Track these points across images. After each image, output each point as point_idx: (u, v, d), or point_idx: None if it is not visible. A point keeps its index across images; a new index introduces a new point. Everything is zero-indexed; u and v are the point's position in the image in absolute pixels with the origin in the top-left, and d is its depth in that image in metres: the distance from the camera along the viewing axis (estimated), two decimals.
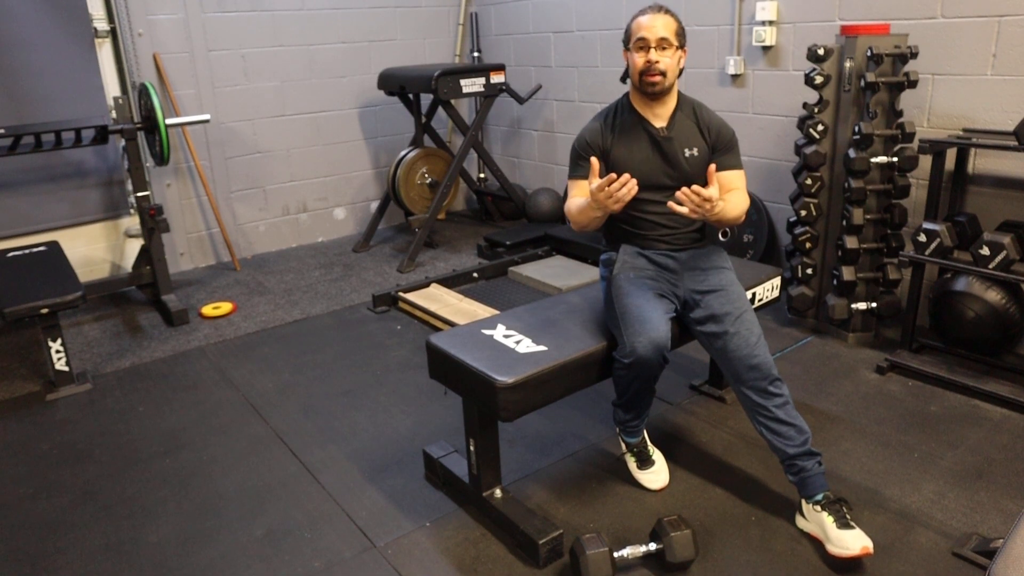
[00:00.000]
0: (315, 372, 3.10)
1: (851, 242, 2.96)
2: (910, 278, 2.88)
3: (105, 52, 4.01)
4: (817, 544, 1.96)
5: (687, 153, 2.14)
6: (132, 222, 4.21)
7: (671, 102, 2.16)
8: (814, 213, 3.09)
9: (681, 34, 2.11)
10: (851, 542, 1.83)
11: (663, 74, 2.08)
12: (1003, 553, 1.19)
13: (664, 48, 2.07)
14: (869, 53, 2.81)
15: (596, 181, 1.97)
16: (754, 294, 2.49)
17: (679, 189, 1.96)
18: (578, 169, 2.19)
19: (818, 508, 1.93)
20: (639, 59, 2.09)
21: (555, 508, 2.16)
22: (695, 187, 1.93)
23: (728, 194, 2.13)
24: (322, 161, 4.90)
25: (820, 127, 3.01)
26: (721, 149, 2.17)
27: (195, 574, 1.96)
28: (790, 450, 1.96)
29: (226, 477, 2.39)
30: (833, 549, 1.86)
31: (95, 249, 4.19)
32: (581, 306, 2.27)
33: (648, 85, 2.10)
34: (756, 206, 3.70)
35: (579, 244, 4.14)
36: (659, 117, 2.16)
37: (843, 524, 1.87)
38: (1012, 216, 2.81)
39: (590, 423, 2.61)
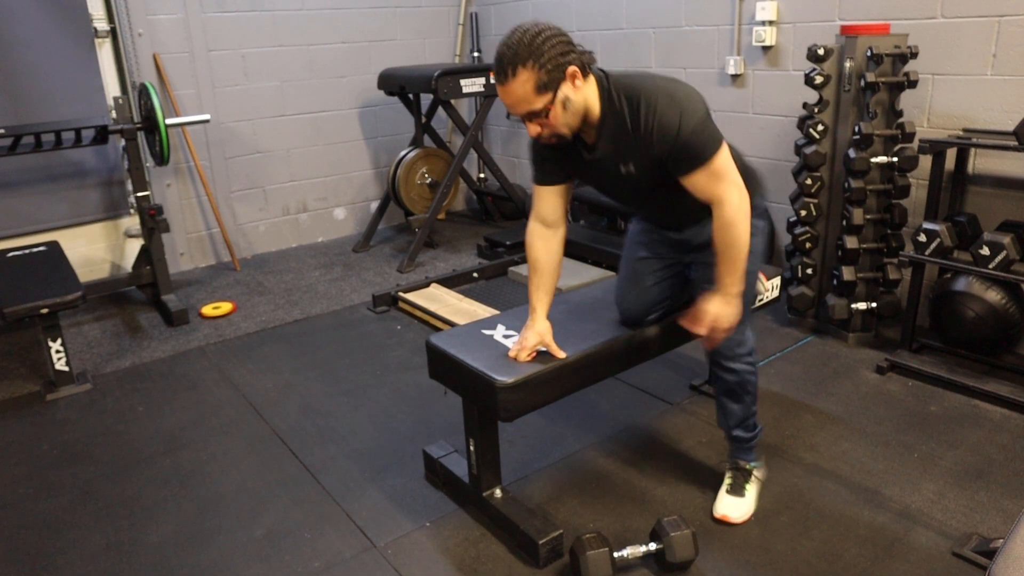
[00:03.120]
0: (315, 372, 3.10)
1: (851, 242, 2.96)
2: (910, 278, 2.88)
3: (105, 52, 4.01)
4: (817, 544, 1.96)
5: (623, 170, 1.82)
6: (132, 222, 4.21)
7: (593, 117, 1.76)
8: (814, 213, 3.09)
9: (547, 83, 1.63)
10: (720, 505, 2.10)
11: (556, 134, 1.75)
12: (1003, 553, 1.19)
13: (541, 116, 1.69)
14: (869, 53, 2.81)
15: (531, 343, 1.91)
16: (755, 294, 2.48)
17: (638, 192, 1.92)
18: (538, 173, 1.96)
19: (726, 468, 2.19)
20: (526, 128, 1.76)
21: (555, 508, 2.16)
22: (692, 322, 1.86)
23: (713, 214, 1.77)
24: (322, 161, 4.90)
25: (820, 127, 3.01)
26: (670, 158, 1.73)
27: (195, 574, 1.96)
28: (725, 427, 2.17)
29: (226, 477, 2.39)
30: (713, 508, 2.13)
31: (95, 249, 4.19)
32: (581, 306, 2.26)
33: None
34: None
35: (579, 244, 4.14)
36: (588, 132, 1.81)
37: (731, 491, 2.12)
38: (1012, 216, 2.81)
39: (590, 423, 2.61)
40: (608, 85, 1.75)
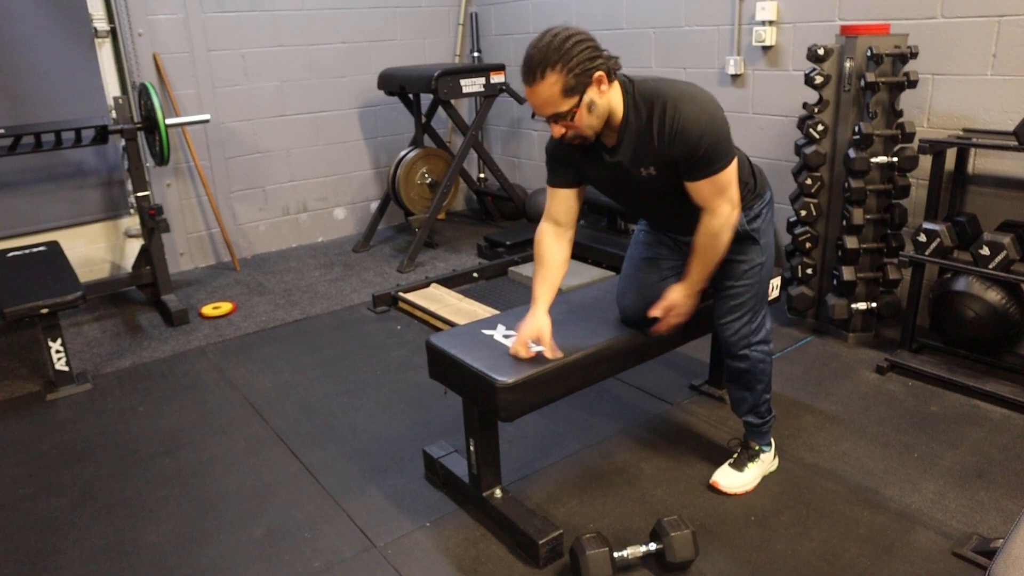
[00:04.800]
0: (315, 372, 3.10)
1: (851, 242, 2.96)
2: (910, 278, 2.88)
3: (105, 52, 4.01)
4: (817, 544, 1.96)
5: (643, 173, 1.85)
6: (132, 222, 4.21)
7: (615, 120, 1.81)
8: (814, 213, 3.09)
9: (574, 86, 1.68)
10: (717, 474, 2.22)
11: (581, 135, 1.79)
12: (1003, 553, 1.19)
13: (566, 118, 1.73)
14: (869, 53, 2.81)
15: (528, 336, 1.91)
16: None
17: (653, 196, 1.95)
18: (552, 176, 1.99)
19: (736, 444, 2.30)
20: (550, 128, 1.81)
21: (555, 508, 2.16)
22: (653, 314, 2.02)
23: (702, 220, 1.86)
24: (322, 161, 4.90)
25: (820, 127, 3.01)
26: (685, 160, 1.78)
27: (195, 574, 1.96)
28: (737, 413, 2.26)
29: (226, 477, 2.39)
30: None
31: (95, 249, 4.19)
32: (581, 306, 2.27)
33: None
34: None
35: (579, 244, 4.13)
36: (609, 136, 1.85)
37: (733, 464, 2.22)
38: (1012, 216, 2.81)
39: (590, 423, 2.61)
40: (632, 90, 1.80)
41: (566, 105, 1.70)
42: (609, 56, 1.74)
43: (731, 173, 1.82)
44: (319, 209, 4.98)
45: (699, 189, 1.82)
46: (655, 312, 2.02)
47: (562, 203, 1.99)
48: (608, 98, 1.76)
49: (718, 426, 2.54)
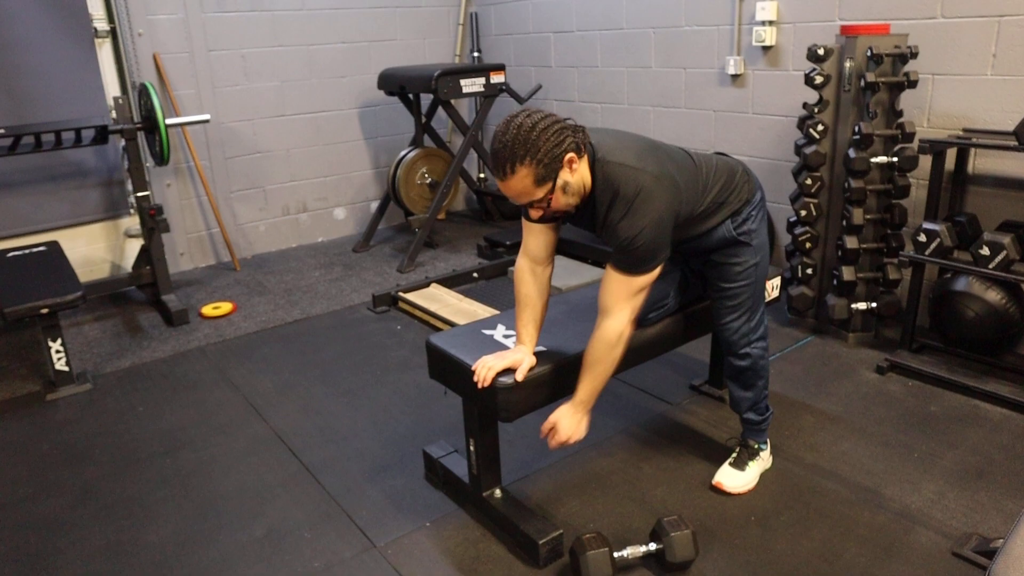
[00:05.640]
0: (315, 372, 3.10)
1: (851, 242, 2.96)
2: (910, 278, 2.88)
3: (105, 52, 4.02)
4: (817, 544, 1.96)
5: (599, 233, 1.87)
6: (132, 222, 4.21)
7: (587, 191, 1.77)
8: (814, 213, 3.09)
9: (546, 175, 1.65)
10: (719, 475, 2.22)
11: (558, 211, 1.78)
12: (1003, 553, 1.19)
13: (543, 203, 1.72)
14: (869, 53, 2.81)
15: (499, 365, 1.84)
16: None
17: None
18: (527, 210, 1.86)
19: (735, 445, 2.30)
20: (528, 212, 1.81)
21: (555, 508, 2.16)
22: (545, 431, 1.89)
23: (597, 326, 1.82)
24: (322, 161, 4.90)
25: (820, 127, 3.01)
26: (615, 246, 1.78)
27: (195, 574, 1.96)
28: (737, 411, 2.25)
29: (226, 477, 2.39)
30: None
31: (95, 249, 4.19)
32: (581, 306, 2.26)
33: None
34: None
35: (579, 244, 4.14)
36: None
37: (733, 464, 2.23)
38: (1012, 216, 2.81)
39: (590, 423, 2.60)
40: (595, 164, 1.75)
41: (540, 193, 1.68)
42: (575, 130, 1.69)
43: (645, 280, 1.78)
44: (319, 209, 4.98)
45: (609, 279, 1.79)
46: (543, 431, 1.89)
47: (539, 238, 1.91)
48: (580, 174, 1.73)
49: (718, 426, 2.54)
